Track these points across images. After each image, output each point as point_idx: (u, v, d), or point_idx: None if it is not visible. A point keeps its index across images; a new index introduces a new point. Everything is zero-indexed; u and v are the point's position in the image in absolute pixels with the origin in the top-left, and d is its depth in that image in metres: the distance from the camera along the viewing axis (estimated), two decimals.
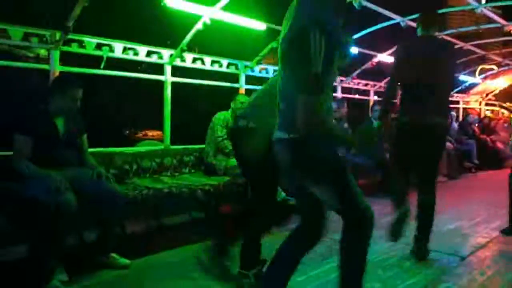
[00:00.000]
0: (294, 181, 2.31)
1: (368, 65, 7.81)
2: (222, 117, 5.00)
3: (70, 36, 4.17)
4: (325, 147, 2.11)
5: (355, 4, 5.13)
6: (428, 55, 3.59)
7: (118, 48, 4.62)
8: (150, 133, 16.62)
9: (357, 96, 9.02)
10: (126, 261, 3.38)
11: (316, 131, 2.03)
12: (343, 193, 2.13)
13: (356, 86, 8.53)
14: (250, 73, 6.22)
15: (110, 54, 4.56)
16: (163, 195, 4.06)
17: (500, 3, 5.96)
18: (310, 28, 1.93)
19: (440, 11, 8.25)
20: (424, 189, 3.69)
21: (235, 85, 6.13)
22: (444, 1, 23.07)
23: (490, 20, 6.30)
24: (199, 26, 4.97)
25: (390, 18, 6.15)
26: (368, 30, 6.49)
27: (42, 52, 4.94)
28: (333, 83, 2.38)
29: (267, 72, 6.40)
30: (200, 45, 5.52)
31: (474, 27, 7.61)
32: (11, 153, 3.23)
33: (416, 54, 3.66)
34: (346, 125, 6.72)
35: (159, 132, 16.48)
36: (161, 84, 5.16)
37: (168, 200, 4.09)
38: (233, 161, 4.78)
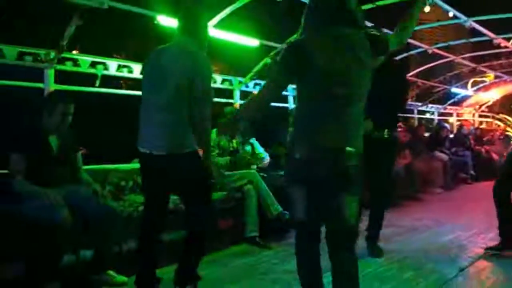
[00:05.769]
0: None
1: None
2: (212, 137, 4.95)
3: (65, 55, 4.20)
4: None
5: None
6: None
7: (112, 66, 4.64)
8: None
9: None
10: (123, 278, 3.33)
11: None
12: None
13: None
14: (244, 89, 6.26)
15: (105, 72, 4.57)
16: None
17: (486, 17, 6.06)
18: None
19: (428, 25, 8.27)
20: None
21: (230, 100, 6.15)
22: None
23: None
24: None
25: None
26: None
27: None
28: None
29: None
30: None
31: (464, 40, 7.73)
32: (5, 171, 3.22)
33: None
34: None
35: None
36: None
37: None
38: (231, 174, 4.75)
